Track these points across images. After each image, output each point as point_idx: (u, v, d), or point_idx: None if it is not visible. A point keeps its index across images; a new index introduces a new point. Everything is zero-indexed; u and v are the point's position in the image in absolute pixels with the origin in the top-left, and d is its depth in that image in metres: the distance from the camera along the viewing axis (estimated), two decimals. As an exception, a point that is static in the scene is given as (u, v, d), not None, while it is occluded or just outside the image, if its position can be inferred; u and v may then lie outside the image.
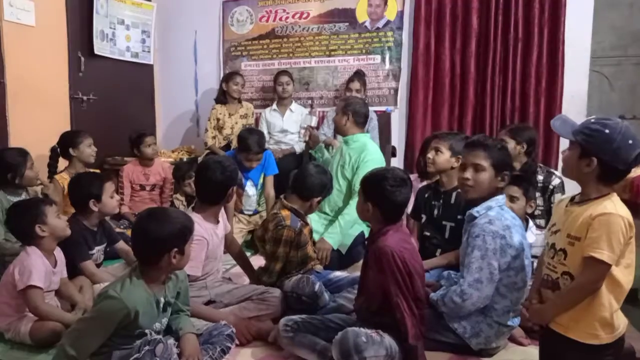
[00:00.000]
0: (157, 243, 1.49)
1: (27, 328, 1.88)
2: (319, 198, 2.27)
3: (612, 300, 1.37)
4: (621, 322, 1.41)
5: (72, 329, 1.51)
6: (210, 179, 2.07)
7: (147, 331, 1.50)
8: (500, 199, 1.80)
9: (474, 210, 1.79)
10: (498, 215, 1.74)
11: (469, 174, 1.79)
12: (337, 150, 3.07)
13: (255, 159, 3.26)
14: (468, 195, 1.83)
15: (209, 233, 2.06)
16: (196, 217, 1.96)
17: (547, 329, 1.47)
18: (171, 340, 1.57)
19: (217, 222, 2.17)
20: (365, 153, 2.82)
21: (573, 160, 1.41)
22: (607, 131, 1.34)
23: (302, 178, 2.27)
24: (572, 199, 1.49)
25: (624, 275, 1.36)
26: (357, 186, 2.75)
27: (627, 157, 1.34)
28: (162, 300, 1.57)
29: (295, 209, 2.24)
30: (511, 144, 2.73)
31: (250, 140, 3.18)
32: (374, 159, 2.81)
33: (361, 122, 2.94)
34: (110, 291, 1.45)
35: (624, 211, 1.35)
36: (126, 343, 1.48)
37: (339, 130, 3.04)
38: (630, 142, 1.33)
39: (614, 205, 1.35)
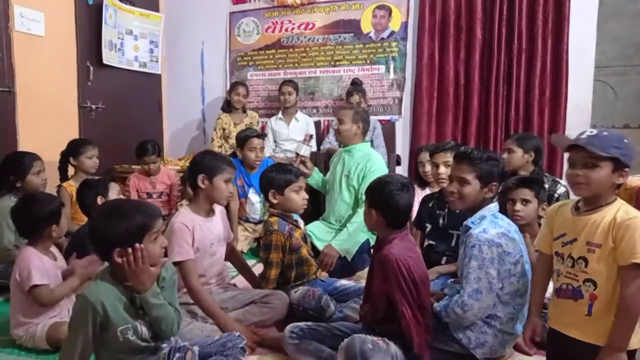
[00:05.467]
0: (100, 240, 1.40)
1: (43, 332, 1.89)
2: (291, 185, 2.24)
3: None
4: None
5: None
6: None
7: (172, 338, 1.45)
8: (493, 207, 1.79)
9: (469, 221, 1.79)
10: (492, 224, 1.74)
11: (454, 187, 1.79)
12: (338, 161, 3.05)
13: (259, 147, 3.37)
14: (454, 206, 1.85)
15: (196, 223, 2.07)
16: (185, 209, 2.12)
17: (564, 338, 1.48)
18: (196, 348, 1.55)
19: (210, 215, 2.16)
20: (371, 162, 2.84)
21: (604, 175, 1.40)
22: (626, 141, 1.41)
23: (263, 177, 2.32)
24: (576, 207, 1.50)
25: None
26: (363, 195, 2.77)
27: None
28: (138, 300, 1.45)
29: (283, 213, 2.24)
30: (519, 153, 2.76)
31: (248, 131, 3.39)
32: (379, 168, 2.83)
33: (366, 132, 3.00)
34: (83, 289, 1.42)
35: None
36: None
37: (344, 139, 3.00)
38: None
39: (632, 210, 1.40)
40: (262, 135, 3.46)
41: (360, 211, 2.71)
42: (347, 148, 2.97)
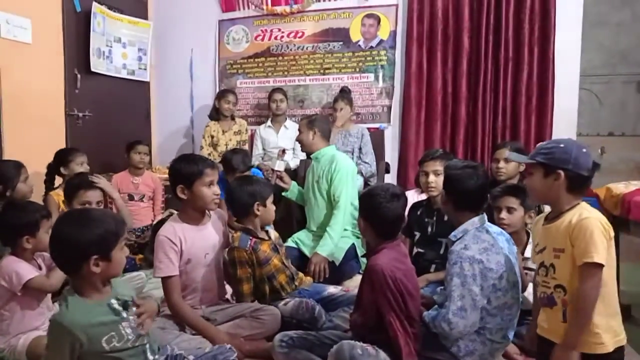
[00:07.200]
0: (72, 249, 1.32)
1: (24, 347, 1.83)
2: (256, 204, 2.18)
3: (600, 302, 1.40)
4: (621, 330, 1.46)
5: None
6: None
7: (167, 346, 1.47)
8: (477, 220, 1.77)
9: (452, 235, 1.79)
10: (474, 239, 1.72)
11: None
12: (309, 171, 3.08)
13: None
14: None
15: (186, 233, 2.02)
16: (174, 219, 2.08)
17: (550, 344, 1.49)
18: (192, 357, 1.57)
19: (203, 223, 2.11)
20: (335, 162, 2.89)
21: (538, 181, 1.52)
22: (562, 145, 1.49)
23: (229, 199, 2.24)
24: (546, 218, 1.56)
25: (605, 274, 1.41)
26: (336, 196, 2.82)
27: (587, 164, 1.47)
28: (114, 301, 1.39)
29: (246, 227, 2.19)
30: (515, 162, 2.79)
31: (235, 160, 3.23)
32: (345, 166, 2.89)
33: (326, 136, 3.03)
34: (55, 315, 1.34)
35: (597, 214, 1.45)
36: None
37: (306, 148, 3.04)
38: (584, 150, 1.48)
39: (587, 211, 1.45)
40: (248, 169, 3.31)
41: (337, 213, 2.78)
42: (314, 155, 3.01)
